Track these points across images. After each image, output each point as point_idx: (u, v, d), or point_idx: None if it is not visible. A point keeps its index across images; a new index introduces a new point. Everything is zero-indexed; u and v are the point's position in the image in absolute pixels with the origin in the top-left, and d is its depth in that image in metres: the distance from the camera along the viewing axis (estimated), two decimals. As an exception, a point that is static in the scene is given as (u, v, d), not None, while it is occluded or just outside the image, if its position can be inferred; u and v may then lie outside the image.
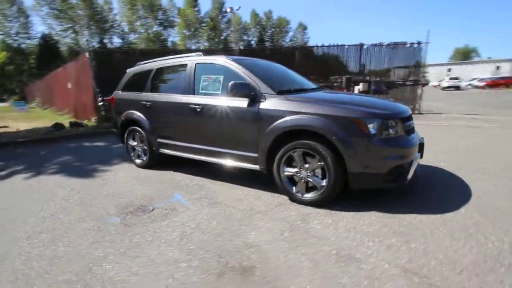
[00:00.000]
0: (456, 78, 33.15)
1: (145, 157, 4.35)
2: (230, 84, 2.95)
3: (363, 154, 2.49)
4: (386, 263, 1.91)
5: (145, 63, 4.40)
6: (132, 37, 46.87)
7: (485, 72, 44.51)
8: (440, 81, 37.91)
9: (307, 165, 2.77)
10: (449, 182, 3.37)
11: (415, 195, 3.01)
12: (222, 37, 54.53)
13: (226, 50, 17.15)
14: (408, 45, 11.16)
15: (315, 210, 2.73)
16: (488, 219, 2.41)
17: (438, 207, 2.65)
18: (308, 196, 2.80)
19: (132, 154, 4.55)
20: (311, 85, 3.87)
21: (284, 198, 3.04)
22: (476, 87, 32.08)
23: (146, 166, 4.35)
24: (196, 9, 49.02)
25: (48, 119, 11.30)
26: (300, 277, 1.81)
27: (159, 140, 4.04)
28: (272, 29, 60.66)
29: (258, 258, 2.03)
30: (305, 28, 61.98)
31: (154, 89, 4.06)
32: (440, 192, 3.05)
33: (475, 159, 4.27)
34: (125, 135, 4.51)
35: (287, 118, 2.75)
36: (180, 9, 48.61)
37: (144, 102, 4.09)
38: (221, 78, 3.33)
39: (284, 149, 2.83)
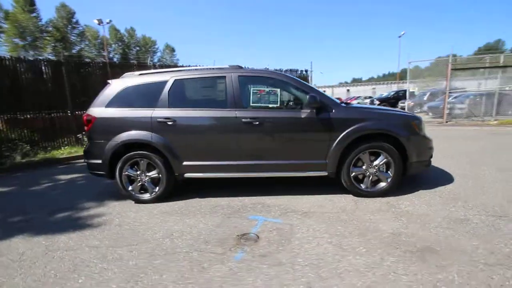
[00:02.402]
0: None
1: (157, 188, 3.49)
2: (309, 96, 3.10)
3: (418, 147, 3.29)
4: (483, 216, 2.71)
5: (148, 73, 3.59)
6: None
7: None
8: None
9: (375, 163, 3.29)
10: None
11: (416, 175, 4.09)
12: (75, 51, 46.08)
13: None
14: (299, 72, 13.86)
15: (385, 199, 3.26)
16: (484, 179, 3.77)
17: (446, 179, 3.82)
18: (378, 188, 3.32)
19: (130, 188, 3.51)
20: None
21: (350, 196, 3.40)
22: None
23: (157, 199, 3.49)
24: (33, 15, 39.11)
25: None
26: (461, 240, 2.31)
27: (186, 163, 3.40)
28: (137, 48, 57.00)
29: (419, 240, 2.34)
30: (173, 49, 62.04)
31: (176, 103, 3.40)
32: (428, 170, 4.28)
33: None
34: (119, 165, 3.44)
35: (362, 124, 3.19)
36: (8, 13, 37.29)
37: (162, 120, 3.33)
38: (278, 91, 3.35)
39: (355, 151, 3.23)
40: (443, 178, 3.92)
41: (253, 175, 3.42)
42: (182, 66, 8.02)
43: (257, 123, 3.25)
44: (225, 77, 3.38)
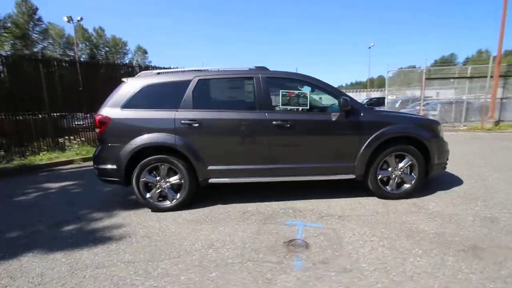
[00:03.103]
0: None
1: (178, 194, 3.26)
2: (342, 99, 3.09)
3: (439, 149, 3.42)
4: (506, 214, 2.87)
5: (168, 73, 3.37)
6: None
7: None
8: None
9: (400, 165, 3.36)
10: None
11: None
12: (36, 49, 42.68)
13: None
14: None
15: (410, 201, 3.33)
16: (489, 179, 4.01)
17: (456, 180, 4.02)
18: (403, 190, 3.39)
19: (148, 196, 3.23)
20: None
21: (375, 199, 3.43)
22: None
23: (178, 207, 3.25)
24: (-12, 7, 35.53)
25: None
26: (500, 237, 2.41)
27: (212, 167, 3.22)
28: (107, 48, 54.31)
29: (463, 239, 2.41)
30: (145, 51, 60.00)
31: (201, 105, 3.21)
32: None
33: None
34: (136, 170, 3.16)
35: (389, 127, 3.25)
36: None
37: (186, 122, 3.12)
38: (307, 93, 3.31)
39: (383, 154, 3.28)
40: (452, 179, 4.12)
41: (282, 179, 3.33)
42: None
43: (288, 125, 3.17)
44: (252, 78, 3.28)
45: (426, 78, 12.62)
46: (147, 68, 9.80)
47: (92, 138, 8.12)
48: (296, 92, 3.32)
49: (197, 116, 3.16)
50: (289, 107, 3.28)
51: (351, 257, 2.18)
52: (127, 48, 56.11)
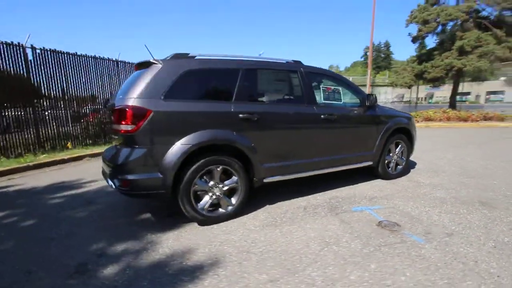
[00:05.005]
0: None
1: (233, 200, 2.83)
2: (374, 95, 3.53)
3: (415, 135, 4.43)
4: (466, 178, 4.08)
5: (211, 58, 2.79)
6: None
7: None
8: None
9: (397, 150, 4.15)
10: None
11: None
12: None
13: None
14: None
15: (404, 178, 4.19)
16: (427, 159, 5.40)
17: (411, 161, 5.25)
18: (398, 170, 4.20)
19: (201, 207, 2.64)
20: None
21: (379, 180, 4.08)
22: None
23: (234, 214, 2.84)
24: None
25: None
26: (484, 193, 3.46)
27: (267, 165, 2.97)
28: None
29: (469, 198, 3.30)
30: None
31: (254, 96, 2.88)
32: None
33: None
34: (187, 176, 2.52)
35: (395, 119, 3.95)
36: None
37: (245, 116, 2.73)
38: (340, 89, 3.54)
39: (389, 142, 3.97)
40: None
41: (325, 171, 3.44)
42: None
43: (333, 119, 3.34)
44: (297, 71, 3.24)
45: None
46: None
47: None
48: (332, 88, 3.52)
49: (254, 109, 2.85)
50: (330, 102, 3.45)
51: (437, 225, 2.62)
52: None
